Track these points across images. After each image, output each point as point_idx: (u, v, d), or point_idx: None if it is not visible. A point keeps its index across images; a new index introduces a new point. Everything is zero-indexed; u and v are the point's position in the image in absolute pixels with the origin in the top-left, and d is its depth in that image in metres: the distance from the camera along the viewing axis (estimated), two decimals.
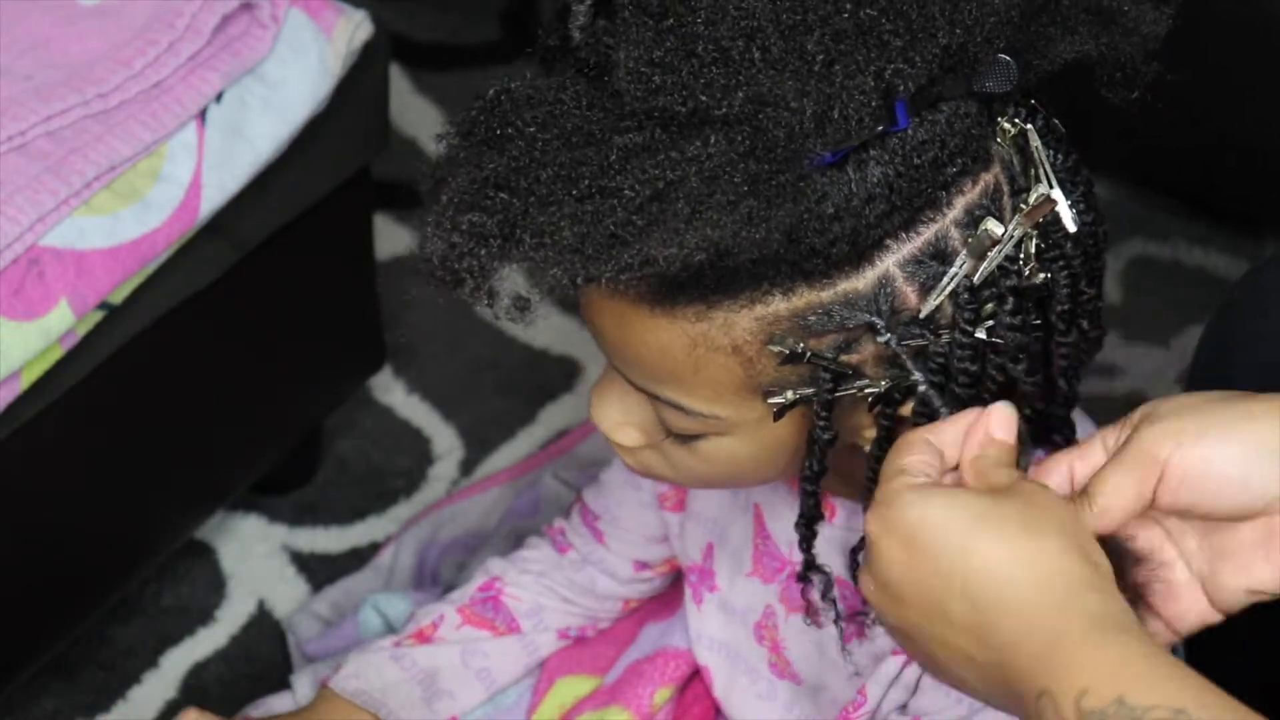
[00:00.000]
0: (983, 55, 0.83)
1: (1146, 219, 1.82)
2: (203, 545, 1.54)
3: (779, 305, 0.84)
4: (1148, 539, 0.84)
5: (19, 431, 1.17)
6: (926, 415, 0.87)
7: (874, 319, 0.84)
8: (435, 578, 1.47)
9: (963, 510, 0.78)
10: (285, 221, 1.30)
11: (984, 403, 0.85)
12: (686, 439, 0.92)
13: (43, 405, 1.18)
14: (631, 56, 0.80)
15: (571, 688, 1.28)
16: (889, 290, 0.84)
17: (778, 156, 0.79)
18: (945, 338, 0.86)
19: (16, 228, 1.12)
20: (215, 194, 1.21)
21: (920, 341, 0.85)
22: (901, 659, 1.05)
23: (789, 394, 0.86)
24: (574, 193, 0.79)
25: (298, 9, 1.26)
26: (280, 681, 1.37)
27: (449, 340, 1.70)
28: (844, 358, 0.85)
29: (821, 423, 0.88)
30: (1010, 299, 0.86)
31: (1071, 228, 0.86)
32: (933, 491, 0.79)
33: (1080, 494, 0.82)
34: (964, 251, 0.84)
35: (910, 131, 0.83)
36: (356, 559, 1.54)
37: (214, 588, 1.52)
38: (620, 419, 0.95)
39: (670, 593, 1.28)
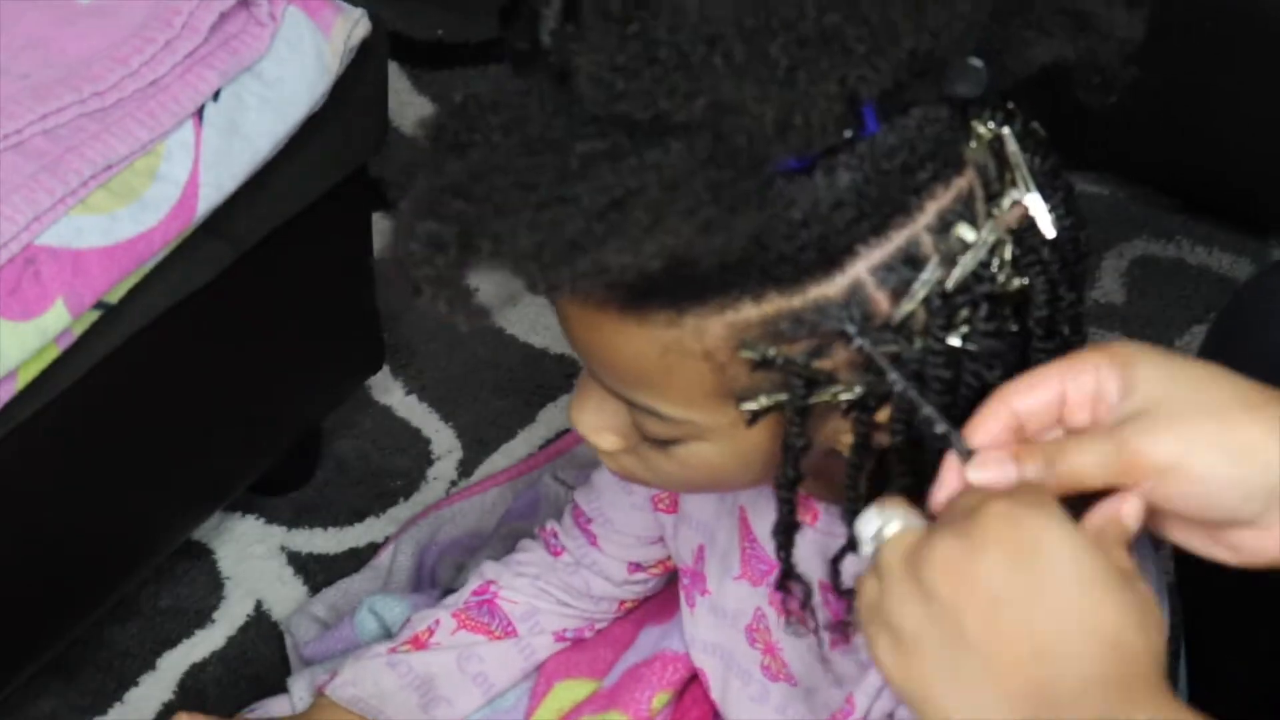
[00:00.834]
0: (953, 60, 0.83)
1: (1150, 218, 1.81)
2: (200, 546, 1.54)
3: (749, 311, 0.83)
4: None
5: (15, 432, 1.17)
6: (904, 421, 0.86)
7: (846, 325, 0.83)
8: (434, 579, 1.47)
9: (1091, 555, 0.77)
10: (283, 220, 1.30)
11: (960, 410, 0.85)
12: (663, 443, 0.92)
13: (39, 405, 1.17)
14: (592, 61, 0.79)
15: (569, 691, 1.28)
16: (861, 296, 0.83)
17: (740, 163, 0.79)
18: (919, 344, 0.85)
19: (13, 227, 1.11)
20: (212, 193, 1.21)
21: (893, 348, 0.84)
22: None
23: (762, 399, 0.86)
24: (532, 200, 0.78)
25: (295, 7, 1.25)
26: (278, 684, 1.37)
27: (448, 340, 1.69)
28: (816, 363, 0.85)
29: (794, 429, 0.87)
30: (985, 305, 0.85)
31: (1050, 233, 0.85)
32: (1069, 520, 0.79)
33: (1060, 442, 0.81)
34: (936, 257, 0.84)
35: (879, 137, 0.82)
36: (355, 560, 1.53)
37: (212, 589, 1.52)
38: (598, 423, 0.95)
39: (668, 595, 1.28)
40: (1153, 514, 0.82)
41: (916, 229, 0.83)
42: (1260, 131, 1.65)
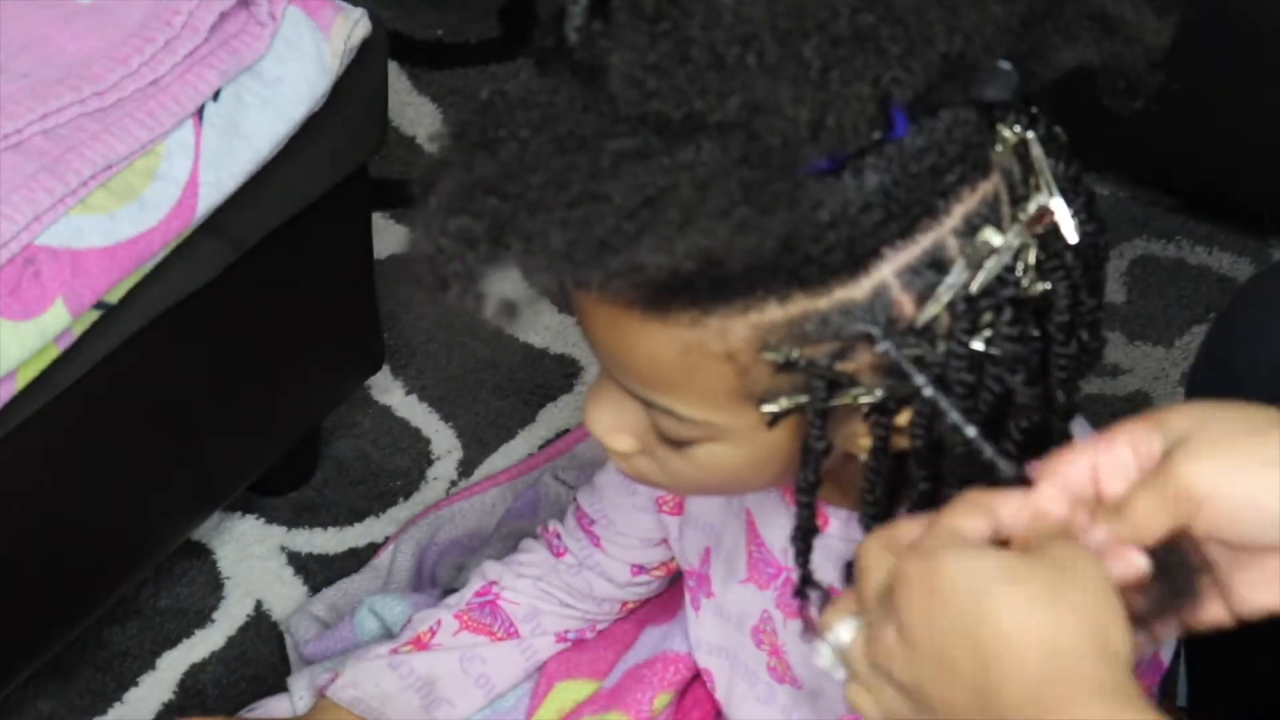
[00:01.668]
0: (983, 63, 0.83)
1: (1150, 218, 1.81)
2: (200, 546, 1.54)
3: (774, 312, 0.83)
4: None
5: (14, 432, 1.17)
6: (924, 425, 0.86)
7: (870, 328, 0.83)
8: (434, 579, 1.47)
9: (989, 563, 0.77)
10: (283, 220, 1.30)
11: (981, 416, 0.84)
12: (680, 445, 0.92)
13: (39, 405, 1.17)
14: (625, 60, 0.79)
15: (570, 692, 1.28)
16: (885, 299, 0.83)
17: (772, 164, 0.78)
18: (942, 348, 0.85)
19: (12, 226, 1.11)
20: (212, 193, 1.20)
21: (916, 351, 0.84)
22: None
23: (783, 401, 0.86)
24: (564, 198, 0.78)
25: (295, 7, 1.25)
26: (278, 684, 1.36)
27: (448, 340, 1.69)
28: (839, 366, 0.84)
29: (815, 431, 0.87)
30: (1009, 310, 0.85)
31: (1073, 238, 0.85)
32: (967, 546, 0.79)
33: (1110, 508, 0.81)
34: (961, 261, 0.83)
35: (908, 139, 0.82)
36: (355, 560, 1.53)
37: (211, 589, 1.52)
38: (614, 424, 0.94)
39: (670, 596, 1.28)
40: (1206, 547, 0.82)
41: (942, 232, 0.83)
42: (1260, 131, 1.64)
